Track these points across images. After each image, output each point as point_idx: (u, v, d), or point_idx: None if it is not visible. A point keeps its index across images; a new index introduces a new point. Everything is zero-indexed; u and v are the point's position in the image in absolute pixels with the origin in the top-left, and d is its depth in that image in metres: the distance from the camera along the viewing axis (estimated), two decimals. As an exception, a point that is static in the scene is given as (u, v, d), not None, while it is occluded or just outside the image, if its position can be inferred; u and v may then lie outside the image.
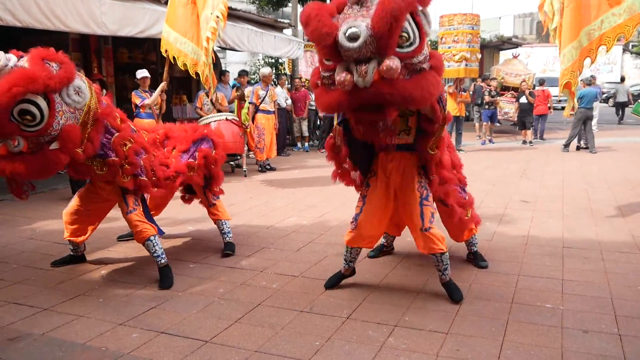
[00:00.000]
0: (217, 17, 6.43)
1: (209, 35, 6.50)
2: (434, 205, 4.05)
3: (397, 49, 2.94)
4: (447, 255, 3.99)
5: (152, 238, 4.37)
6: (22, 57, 3.53)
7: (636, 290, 4.18)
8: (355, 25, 2.85)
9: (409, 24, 2.98)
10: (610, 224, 6.14)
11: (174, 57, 6.82)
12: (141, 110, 8.51)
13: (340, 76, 2.95)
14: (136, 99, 8.53)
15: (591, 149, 12.87)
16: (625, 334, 3.45)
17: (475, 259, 4.79)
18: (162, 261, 4.43)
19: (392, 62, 2.85)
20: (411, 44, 2.99)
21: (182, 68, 6.85)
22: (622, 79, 21.93)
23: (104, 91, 9.86)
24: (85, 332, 3.55)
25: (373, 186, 4.04)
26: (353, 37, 2.85)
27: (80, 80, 3.77)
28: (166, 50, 6.85)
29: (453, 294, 4.02)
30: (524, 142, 14.86)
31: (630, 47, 41.82)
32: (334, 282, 4.32)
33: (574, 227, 6.02)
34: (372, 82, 2.90)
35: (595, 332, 3.49)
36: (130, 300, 4.08)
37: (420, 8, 3.06)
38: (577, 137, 13.33)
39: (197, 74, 6.80)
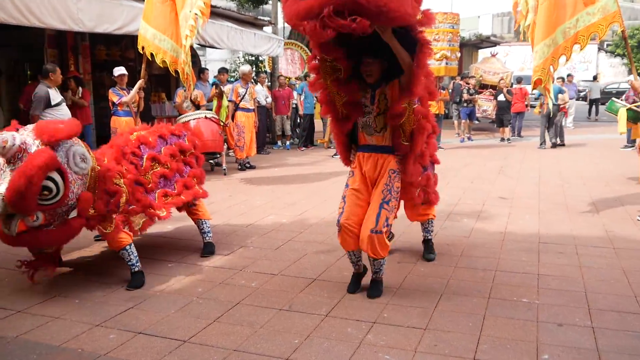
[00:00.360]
0: (196, 14, 6.39)
1: (187, 34, 6.46)
2: (394, 213, 4.04)
3: None
4: (384, 261, 4.03)
5: (127, 247, 4.31)
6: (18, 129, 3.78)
7: (609, 283, 4.25)
8: None
9: None
10: (584, 219, 6.24)
11: (151, 54, 6.75)
12: (119, 108, 8.41)
13: None
14: (113, 96, 8.43)
15: (553, 140, 13.45)
16: (598, 326, 3.51)
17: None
18: (136, 269, 4.39)
19: None
20: None
21: (161, 65, 6.79)
22: (595, 78, 22.49)
23: (80, 89, 9.82)
24: (61, 334, 3.51)
25: (352, 186, 4.05)
26: None
27: (81, 146, 3.92)
28: (143, 47, 6.78)
29: (372, 291, 4.08)
30: (502, 139, 15.01)
31: (605, 46, 42.46)
32: (354, 285, 4.20)
33: (550, 223, 6.10)
34: None
35: (569, 325, 3.54)
36: (107, 301, 4.04)
37: None
38: (553, 135, 13.54)
39: (176, 71, 6.77)
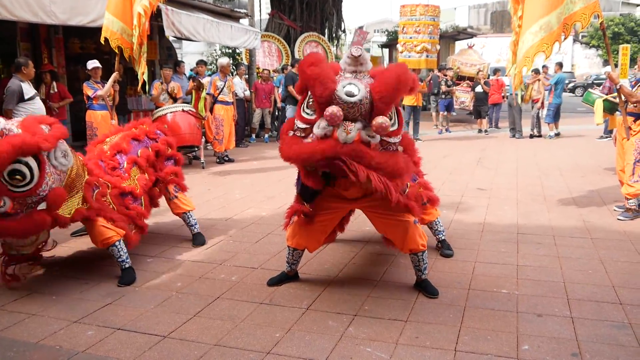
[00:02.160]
0: None
1: (140, 12, 6.40)
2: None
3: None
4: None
5: (117, 243, 4.24)
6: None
7: (587, 274, 4.31)
8: (355, 83, 3.20)
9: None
10: (562, 210, 6.31)
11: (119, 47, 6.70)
12: (94, 101, 8.27)
13: (333, 108, 3.10)
14: (88, 90, 8.28)
15: (516, 134, 13.84)
16: (577, 316, 3.55)
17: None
18: (127, 265, 4.32)
19: (383, 119, 3.10)
20: (392, 125, 3.31)
21: (116, 50, 6.76)
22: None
23: (54, 83, 9.61)
24: (38, 330, 3.45)
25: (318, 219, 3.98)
26: (350, 93, 3.15)
27: (64, 144, 3.84)
28: (105, 39, 6.71)
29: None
30: (480, 130, 15.13)
31: (580, 38, 43.02)
32: (277, 281, 4.24)
33: (528, 214, 6.16)
34: (354, 140, 3.14)
35: (548, 315, 3.58)
36: (84, 297, 3.98)
37: None
38: (530, 126, 13.73)
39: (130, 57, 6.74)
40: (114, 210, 4.28)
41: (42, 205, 3.71)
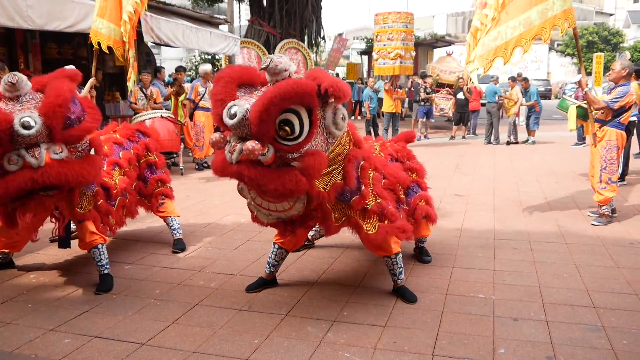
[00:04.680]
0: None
1: (130, 10, 6.45)
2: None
3: (279, 140, 3.03)
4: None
5: (99, 246, 4.22)
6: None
7: (562, 278, 4.38)
8: (239, 104, 3.06)
9: (300, 119, 3.03)
10: (538, 215, 6.41)
11: (108, 47, 6.73)
12: (71, 107, 8.20)
13: (215, 135, 3.15)
14: (65, 96, 8.21)
15: (493, 140, 14.12)
16: (552, 320, 3.61)
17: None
18: (106, 271, 4.29)
19: (252, 144, 2.93)
20: (294, 139, 3.06)
21: (107, 51, 6.77)
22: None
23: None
24: (13, 339, 3.41)
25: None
26: (233, 115, 3.04)
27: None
28: (92, 45, 6.74)
29: None
30: (452, 137, 15.36)
31: (555, 46, 43.72)
32: (255, 287, 4.24)
33: (505, 219, 6.24)
34: (238, 160, 3.02)
35: (524, 319, 3.63)
36: (61, 305, 3.94)
37: (320, 104, 3.15)
38: (507, 133, 13.94)
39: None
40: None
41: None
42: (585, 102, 6.15)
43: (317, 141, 3.21)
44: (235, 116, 3.02)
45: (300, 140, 3.07)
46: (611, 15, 57.16)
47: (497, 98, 14.05)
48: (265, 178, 3.04)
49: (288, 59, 3.19)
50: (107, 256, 4.29)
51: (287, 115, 3.01)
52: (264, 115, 2.92)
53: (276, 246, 4.17)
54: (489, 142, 14.13)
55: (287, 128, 3.01)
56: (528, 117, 14.22)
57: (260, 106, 2.92)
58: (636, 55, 37.68)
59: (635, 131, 9.25)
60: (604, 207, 6.01)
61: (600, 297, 3.97)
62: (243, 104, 3.04)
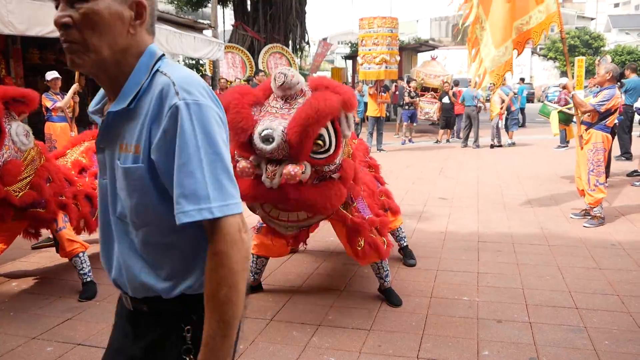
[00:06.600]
0: None
1: None
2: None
3: (311, 154, 3.02)
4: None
5: (80, 255, 4.19)
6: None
7: (545, 280, 4.42)
8: (272, 127, 2.92)
9: (327, 131, 3.04)
10: (521, 218, 6.46)
11: None
12: (53, 113, 8.13)
13: (240, 164, 3.02)
14: (47, 101, 8.14)
15: (473, 144, 14.22)
16: (535, 321, 3.64)
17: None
18: (89, 279, 4.25)
19: (293, 169, 2.92)
20: (326, 151, 3.07)
21: None
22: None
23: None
24: (-5, 348, 3.37)
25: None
26: (267, 139, 2.92)
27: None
28: None
29: None
30: (437, 141, 15.43)
31: (538, 50, 44.15)
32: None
33: (488, 222, 6.28)
34: (280, 184, 3.00)
35: (508, 321, 3.66)
36: (44, 312, 3.90)
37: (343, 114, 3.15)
38: (491, 136, 14.05)
39: None
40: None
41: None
42: (567, 107, 6.26)
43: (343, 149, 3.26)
44: (271, 140, 2.91)
45: (331, 152, 3.08)
46: (592, 19, 57.92)
47: (476, 102, 14.17)
48: (311, 197, 3.08)
49: (295, 70, 3.15)
50: (89, 264, 4.25)
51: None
52: (304, 135, 2.88)
53: (255, 256, 4.14)
54: (466, 145, 14.24)
55: (319, 142, 3.01)
56: (506, 119, 14.41)
57: (300, 127, 2.87)
58: (617, 58, 38.16)
59: (616, 134, 9.36)
60: (595, 209, 6.06)
61: (582, 298, 4.01)
62: (277, 127, 2.92)
